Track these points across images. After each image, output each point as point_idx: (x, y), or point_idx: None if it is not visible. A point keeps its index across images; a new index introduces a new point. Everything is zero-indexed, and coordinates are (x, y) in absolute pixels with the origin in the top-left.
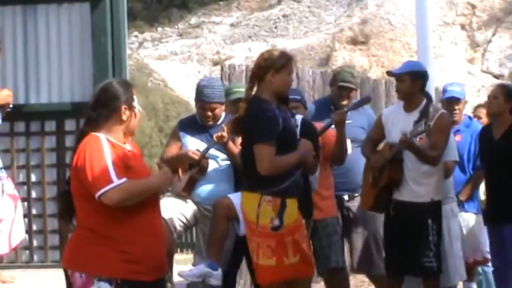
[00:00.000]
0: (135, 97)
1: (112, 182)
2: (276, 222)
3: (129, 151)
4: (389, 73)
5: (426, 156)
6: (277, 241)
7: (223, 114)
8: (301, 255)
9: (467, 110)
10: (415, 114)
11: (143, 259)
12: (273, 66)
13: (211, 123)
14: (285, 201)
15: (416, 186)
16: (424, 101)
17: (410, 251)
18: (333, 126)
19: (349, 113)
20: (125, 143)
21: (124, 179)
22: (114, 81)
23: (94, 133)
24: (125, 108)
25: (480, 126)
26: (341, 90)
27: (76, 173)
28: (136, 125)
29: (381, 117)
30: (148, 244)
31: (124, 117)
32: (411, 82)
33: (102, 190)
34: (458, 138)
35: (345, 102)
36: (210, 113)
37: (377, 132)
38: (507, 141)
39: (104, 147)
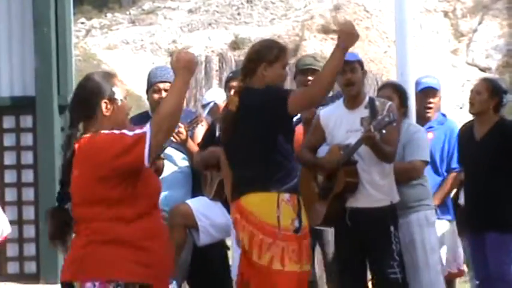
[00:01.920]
0: (116, 89)
1: (144, 129)
2: (296, 223)
3: None
4: (345, 62)
5: (384, 152)
6: (299, 244)
7: None
8: (308, 262)
9: (449, 106)
10: (361, 111)
11: (156, 263)
12: (265, 59)
13: None
14: (300, 200)
15: (373, 189)
16: (367, 95)
17: (373, 263)
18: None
19: (321, 109)
20: None
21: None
22: (91, 76)
23: (86, 135)
24: (106, 103)
25: (455, 124)
26: (305, 75)
27: (85, 177)
28: (123, 116)
29: (319, 119)
30: (160, 247)
31: (107, 113)
32: (361, 71)
33: (145, 150)
34: (430, 136)
35: None
36: (164, 94)
37: (316, 136)
38: (489, 142)
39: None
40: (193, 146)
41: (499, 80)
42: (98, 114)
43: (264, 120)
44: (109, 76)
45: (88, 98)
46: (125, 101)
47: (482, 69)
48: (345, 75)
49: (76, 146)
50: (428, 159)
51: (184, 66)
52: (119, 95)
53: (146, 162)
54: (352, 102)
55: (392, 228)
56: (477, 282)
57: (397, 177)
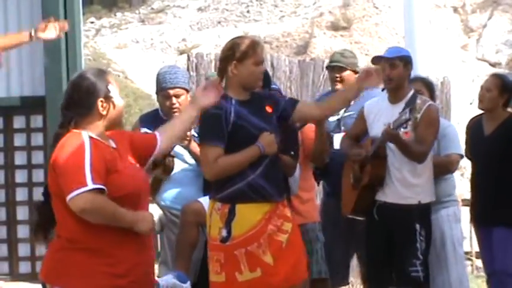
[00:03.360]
0: (111, 87)
1: (85, 185)
2: (224, 232)
3: (114, 148)
4: (377, 58)
5: (412, 151)
6: (226, 254)
7: None
8: (265, 269)
9: (459, 102)
10: (401, 106)
11: (128, 273)
12: (234, 57)
13: (177, 114)
14: (234, 208)
15: (403, 187)
16: (412, 91)
17: (395, 259)
18: None
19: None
20: (113, 141)
21: (100, 186)
22: (84, 74)
23: (75, 130)
24: (102, 101)
25: None
26: (332, 72)
27: (52, 172)
28: (118, 115)
29: (363, 110)
30: (134, 256)
31: (103, 112)
32: (404, 68)
33: (73, 193)
34: None
35: (338, 87)
36: (174, 101)
37: (358, 126)
38: (499, 137)
39: (85, 145)
40: (197, 149)
41: (509, 75)
42: (93, 113)
43: None
44: (103, 74)
45: (84, 98)
46: (119, 98)
47: (492, 65)
48: (384, 71)
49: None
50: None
51: (139, 223)
52: (114, 93)
53: (67, 199)
54: (394, 96)
55: (418, 227)
56: (486, 277)
57: (435, 172)
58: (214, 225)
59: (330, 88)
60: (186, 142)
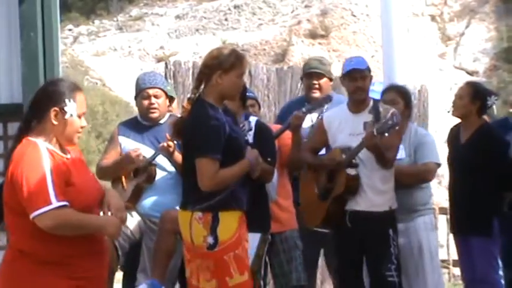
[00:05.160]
0: (71, 102)
1: (50, 203)
2: (210, 240)
3: (68, 159)
4: (355, 71)
5: (385, 158)
6: (216, 261)
7: (167, 114)
8: (249, 272)
9: (437, 110)
10: (365, 115)
11: (85, 275)
12: (221, 67)
13: (156, 114)
14: (217, 216)
15: (374, 194)
16: (372, 100)
17: (371, 265)
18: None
19: (312, 115)
20: (67, 152)
21: (64, 202)
22: (54, 81)
23: (30, 138)
24: (55, 111)
25: None
26: (310, 79)
27: (10, 185)
28: (71, 132)
29: (322, 122)
30: (89, 264)
31: (54, 122)
32: (370, 79)
33: (38, 211)
34: None
35: (316, 95)
36: (153, 100)
37: (319, 138)
38: (472, 145)
39: (44, 160)
40: (179, 157)
41: (482, 83)
42: (47, 120)
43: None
44: (74, 88)
45: (41, 101)
46: (75, 118)
47: (470, 73)
48: (355, 82)
49: (18, 144)
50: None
51: (109, 226)
52: (71, 109)
53: (31, 217)
54: (358, 106)
55: (391, 232)
56: (464, 285)
57: (410, 180)
58: (198, 234)
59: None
60: (170, 151)
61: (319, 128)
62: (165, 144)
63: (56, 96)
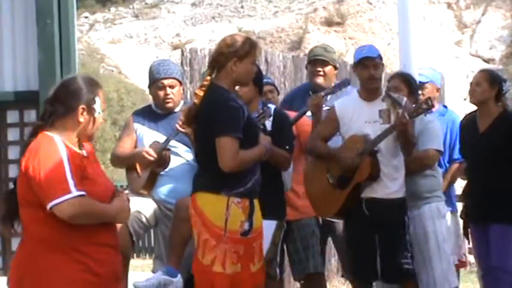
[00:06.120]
0: (98, 100)
1: (70, 191)
2: (246, 226)
3: (84, 157)
4: (367, 59)
5: (412, 143)
6: (246, 247)
7: (182, 102)
8: (262, 261)
9: (453, 98)
10: (378, 103)
11: (100, 271)
12: (236, 54)
13: (171, 105)
14: (253, 203)
15: (390, 181)
16: (385, 88)
17: (387, 253)
18: (308, 113)
19: (328, 98)
20: (82, 147)
21: (82, 192)
22: (78, 77)
23: (47, 132)
24: (83, 109)
25: (456, 115)
26: (314, 65)
27: (25, 177)
28: (94, 130)
29: (334, 111)
30: (105, 254)
31: (81, 119)
32: (382, 66)
33: (57, 200)
34: None
35: (320, 80)
36: (169, 91)
37: (329, 127)
38: (493, 134)
39: (61, 151)
40: None
41: (497, 69)
42: (72, 117)
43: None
44: (97, 85)
45: (68, 98)
46: (101, 114)
47: (486, 60)
48: (367, 70)
49: (34, 139)
50: (442, 148)
51: (121, 212)
52: (98, 106)
53: (48, 206)
54: (371, 94)
55: (406, 219)
56: (481, 273)
57: (412, 167)
58: (235, 219)
59: (305, 81)
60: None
61: (330, 117)
62: (179, 124)
63: (83, 94)
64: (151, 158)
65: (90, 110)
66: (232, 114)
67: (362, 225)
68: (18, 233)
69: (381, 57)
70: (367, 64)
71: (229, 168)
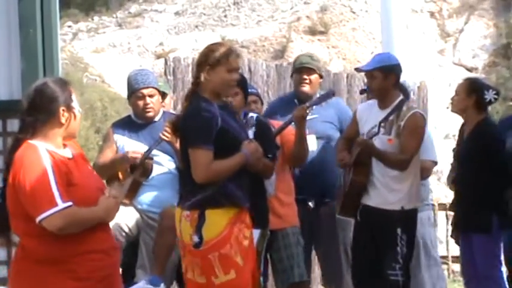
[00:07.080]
0: (73, 96)
1: (56, 204)
2: (195, 238)
3: (69, 159)
4: (358, 70)
5: (390, 160)
6: (202, 259)
7: (161, 111)
8: (237, 270)
9: (436, 106)
10: (388, 111)
11: (90, 276)
12: (207, 62)
13: (151, 114)
14: (204, 214)
15: (387, 192)
16: (400, 98)
17: (376, 262)
18: (293, 123)
19: (314, 107)
20: (65, 146)
21: (69, 203)
22: (48, 81)
23: (30, 141)
24: (63, 110)
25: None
26: (300, 73)
27: (13, 191)
28: (76, 127)
29: (356, 113)
30: (96, 260)
31: (63, 120)
32: (383, 78)
33: (45, 214)
34: None
35: (306, 89)
36: (148, 100)
37: (352, 129)
38: (470, 141)
39: (44, 161)
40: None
41: (480, 79)
42: (53, 121)
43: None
44: (65, 83)
45: (46, 103)
46: (80, 111)
47: (469, 69)
48: (369, 81)
49: (18, 150)
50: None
51: (110, 210)
52: (75, 103)
53: (37, 220)
54: (382, 102)
55: (399, 231)
56: (465, 280)
57: None
58: (185, 232)
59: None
60: (173, 139)
61: (352, 119)
62: (163, 133)
63: (59, 96)
64: (139, 155)
65: (70, 109)
66: (202, 124)
67: (356, 230)
68: (17, 244)
69: (380, 69)
70: (366, 75)
71: (202, 180)
